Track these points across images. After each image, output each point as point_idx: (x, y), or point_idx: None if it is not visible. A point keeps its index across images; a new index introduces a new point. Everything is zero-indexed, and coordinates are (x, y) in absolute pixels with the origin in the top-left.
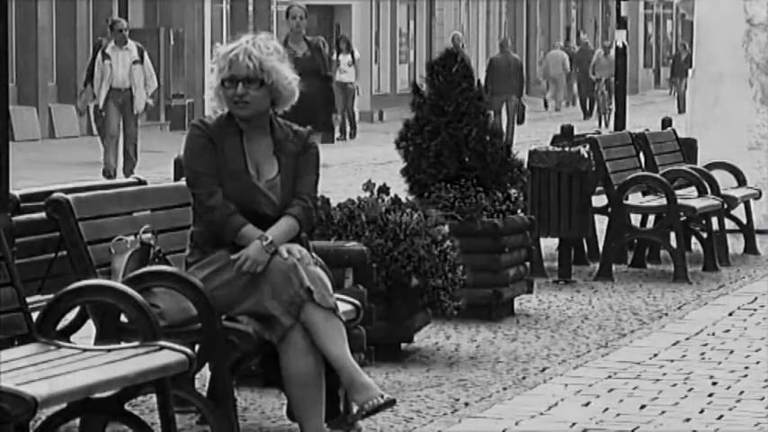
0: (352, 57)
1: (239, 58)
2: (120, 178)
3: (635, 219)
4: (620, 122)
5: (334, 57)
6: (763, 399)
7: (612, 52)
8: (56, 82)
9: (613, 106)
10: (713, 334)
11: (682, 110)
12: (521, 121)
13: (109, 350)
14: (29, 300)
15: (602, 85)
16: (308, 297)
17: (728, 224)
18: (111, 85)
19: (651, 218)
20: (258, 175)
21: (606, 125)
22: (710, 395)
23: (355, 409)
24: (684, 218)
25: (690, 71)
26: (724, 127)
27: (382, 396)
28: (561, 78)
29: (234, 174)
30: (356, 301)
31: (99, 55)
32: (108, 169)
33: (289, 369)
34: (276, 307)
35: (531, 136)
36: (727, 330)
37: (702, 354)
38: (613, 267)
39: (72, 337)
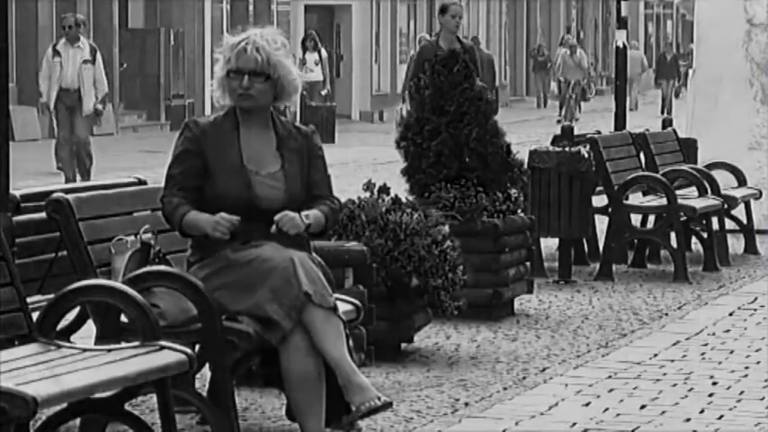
0: (320, 55)
1: (247, 50)
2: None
3: (635, 219)
4: (620, 122)
5: (300, 55)
6: (763, 399)
7: (579, 52)
8: None
9: (580, 114)
10: (713, 334)
11: (662, 111)
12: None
13: (109, 350)
14: (29, 300)
15: (570, 89)
16: (307, 300)
17: (729, 224)
18: (61, 85)
19: (651, 218)
20: (258, 168)
21: None
22: (711, 395)
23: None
24: (684, 218)
25: (690, 71)
26: (724, 127)
27: (379, 398)
28: (639, 77)
29: (229, 168)
30: (356, 301)
31: (50, 51)
32: (66, 176)
33: (289, 369)
34: (277, 311)
35: (531, 136)
36: (728, 330)
37: (703, 354)
38: (613, 267)
39: (72, 337)
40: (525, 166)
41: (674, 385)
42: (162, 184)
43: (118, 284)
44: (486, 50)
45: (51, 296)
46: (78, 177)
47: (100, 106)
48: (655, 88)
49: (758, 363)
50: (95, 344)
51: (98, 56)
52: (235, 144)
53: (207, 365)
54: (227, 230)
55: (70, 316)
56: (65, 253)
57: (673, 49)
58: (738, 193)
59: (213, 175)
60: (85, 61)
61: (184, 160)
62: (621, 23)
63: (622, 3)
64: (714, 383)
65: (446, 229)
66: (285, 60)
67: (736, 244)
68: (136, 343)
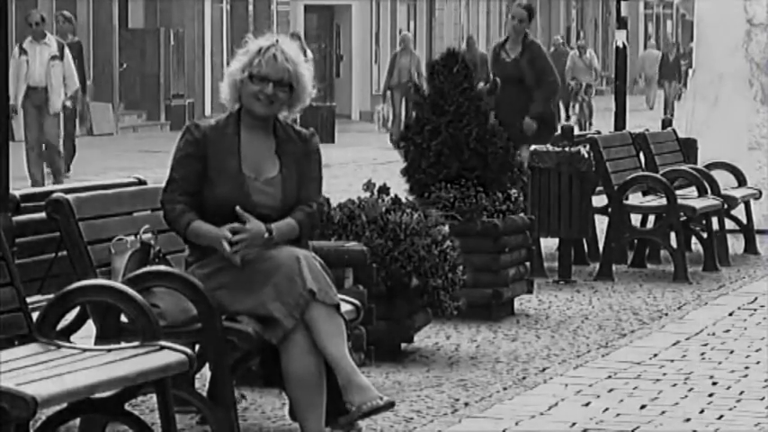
0: (305, 56)
1: (278, 58)
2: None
3: (635, 219)
4: (620, 122)
5: None
6: (763, 399)
7: (589, 53)
8: None
9: (594, 115)
10: (713, 334)
11: (668, 113)
12: None
13: (109, 350)
14: (29, 300)
15: (582, 91)
16: (311, 297)
17: (728, 224)
18: (29, 84)
19: (651, 218)
20: (256, 173)
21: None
22: (710, 395)
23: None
24: (684, 218)
25: (690, 71)
26: (724, 127)
27: (381, 398)
28: (656, 76)
29: (227, 174)
30: (356, 301)
31: (16, 50)
32: (34, 180)
33: (290, 368)
34: (280, 309)
35: None
36: (728, 330)
37: (702, 354)
38: (613, 267)
39: (72, 337)
40: (525, 165)
41: (674, 385)
42: (162, 185)
43: (118, 284)
44: (480, 49)
45: (51, 296)
46: (50, 181)
47: (68, 103)
48: (657, 88)
49: (758, 363)
50: (95, 344)
51: (66, 51)
52: (235, 149)
53: (207, 365)
54: (237, 252)
55: (70, 316)
56: (65, 253)
57: (675, 50)
58: (738, 193)
59: (212, 179)
60: (53, 57)
61: (186, 164)
62: (621, 23)
63: (622, 3)
64: (714, 383)
65: (446, 229)
66: (307, 73)
67: (736, 244)
68: (136, 343)
